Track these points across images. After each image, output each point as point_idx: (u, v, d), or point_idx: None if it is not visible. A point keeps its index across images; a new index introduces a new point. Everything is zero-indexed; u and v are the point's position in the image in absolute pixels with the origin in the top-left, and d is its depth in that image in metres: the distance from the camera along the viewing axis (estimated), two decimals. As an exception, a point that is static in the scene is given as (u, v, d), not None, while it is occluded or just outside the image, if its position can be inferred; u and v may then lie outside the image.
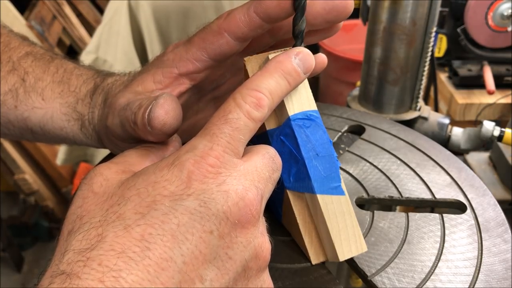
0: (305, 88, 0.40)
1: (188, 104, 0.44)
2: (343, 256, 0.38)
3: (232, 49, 0.40)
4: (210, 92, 0.46)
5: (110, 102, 0.43)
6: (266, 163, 0.34)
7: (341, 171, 0.47)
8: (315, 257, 0.40)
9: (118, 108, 0.41)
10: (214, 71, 0.43)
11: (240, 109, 0.33)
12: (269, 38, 0.43)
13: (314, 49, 1.97)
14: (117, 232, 0.28)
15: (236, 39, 0.39)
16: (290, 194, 0.40)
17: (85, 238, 0.28)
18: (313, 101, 0.41)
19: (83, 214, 0.30)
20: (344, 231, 0.38)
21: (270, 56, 0.40)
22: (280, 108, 0.40)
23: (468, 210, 0.47)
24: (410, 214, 0.46)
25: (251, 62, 0.42)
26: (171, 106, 0.37)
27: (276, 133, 0.41)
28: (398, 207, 0.67)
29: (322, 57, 0.42)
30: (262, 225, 0.33)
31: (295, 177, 0.39)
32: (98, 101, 0.46)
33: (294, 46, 0.39)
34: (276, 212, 0.44)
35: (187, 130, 0.45)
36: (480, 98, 1.45)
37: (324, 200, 0.38)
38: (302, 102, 0.40)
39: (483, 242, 0.43)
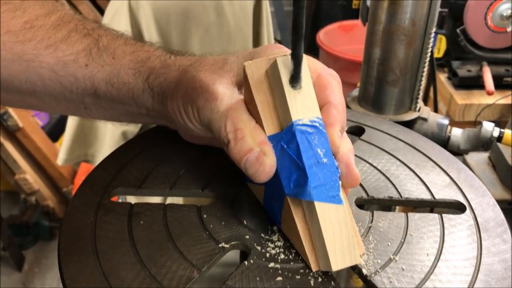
0: (310, 94, 0.40)
1: None
2: (336, 266, 0.38)
3: None
4: None
5: (193, 76, 0.45)
6: None
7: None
8: (315, 265, 0.40)
9: (203, 97, 0.44)
10: None
11: None
12: None
13: (314, 50, 1.96)
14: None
15: None
16: (290, 201, 0.40)
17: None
18: (317, 107, 0.40)
19: None
20: (339, 241, 0.38)
21: (278, 60, 0.40)
22: (284, 112, 0.40)
23: (468, 211, 0.47)
24: (410, 214, 0.46)
25: (251, 67, 0.42)
26: (272, 170, 0.41)
27: (278, 138, 0.41)
28: (397, 208, 0.67)
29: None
30: None
31: (295, 184, 0.39)
32: (176, 62, 0.48)
33: (292, 42, 0.38)
34: (275, 218, 0.44)
35: None
36: (480, 98, 1.46)
37: (321, 208, 0.38)
38: (307, 107, 0.40)
39: (483, 242, 0.43)
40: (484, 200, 0.48)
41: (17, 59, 0.48)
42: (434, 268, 0.40)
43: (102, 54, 0.49)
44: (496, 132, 0.90)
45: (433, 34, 0.85)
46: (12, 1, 0.49)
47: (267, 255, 0.41)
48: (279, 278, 0.39)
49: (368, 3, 0.89)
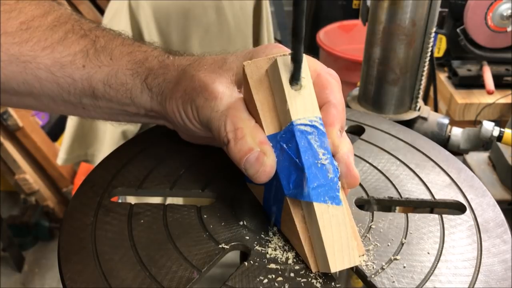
0: (310, 94, 0.40)
1: None
2: (335, 267, 0.38)
3: None
4: None
5: (192, 75, 0.45)
6: None
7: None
8: (315, 265, 0.40)
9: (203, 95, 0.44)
10: None
11: None
12: None
13: (314, 49, 1.95)
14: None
15: None
16: (290, 202, 0.40)
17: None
18: (317, 107, 0.40)
19: None
20: (338, 242, 0.38)
21: (278, 59, 0.40)
22: (283, 112, 0.40)
23: (468, 211, 0.47)
24: (410, 214, 0.46)
25: (251, 67, 0.42)
26: (272, 171, 0.41)
27: (277, 138, 0.41)
28: (397, 208, 0.67)
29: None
30: None
31: (294, 184, 0.39)
32: (175, 62, 0.48)
33: (292, 42, 0.38)
34: (275, 219, 0.44)
35: None
36: (480, 98, 1.46)
37: (320, 209, 0.38)
38: (307, 107, 0.40)
39: (483, 242, 0.43)
40: (484, 201, 0.48)
41: (14, 60, 0.48)
42: (434, 269, 0.40)
43: (99, 55, 0.49)
44: (496, 131, 0.90)
45: (433, 34, 0.85)
46: (7, 1, 0.49)
47: (267, 255, 0.41)
48: (279, 279, 0.38)
49: (368, 3, 0.89)
